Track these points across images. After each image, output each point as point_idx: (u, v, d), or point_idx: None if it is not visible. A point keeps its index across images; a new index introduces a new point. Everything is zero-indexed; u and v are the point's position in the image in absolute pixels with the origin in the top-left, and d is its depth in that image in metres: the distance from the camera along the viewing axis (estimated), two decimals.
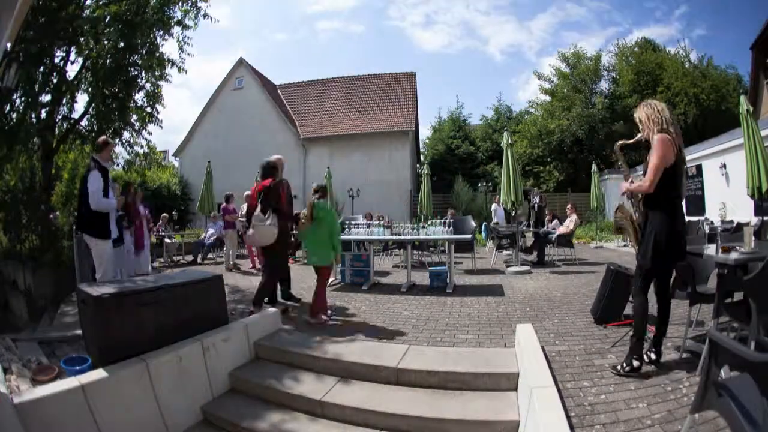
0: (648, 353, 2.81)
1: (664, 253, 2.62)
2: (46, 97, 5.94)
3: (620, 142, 3.13)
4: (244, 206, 6.26)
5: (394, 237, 6.39)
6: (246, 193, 6.28)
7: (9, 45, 4.30)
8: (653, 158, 2.56)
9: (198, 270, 6.76)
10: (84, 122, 6.41)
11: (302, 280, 7.12)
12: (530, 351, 2.94)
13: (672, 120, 2.66)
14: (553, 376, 2.62)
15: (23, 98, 5.68)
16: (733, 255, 2.70)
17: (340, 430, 2.68)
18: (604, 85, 21.13)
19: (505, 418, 2.49)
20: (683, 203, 2.79)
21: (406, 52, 56.34)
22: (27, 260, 5.16)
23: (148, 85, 6.61)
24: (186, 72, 6.72)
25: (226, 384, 3.30)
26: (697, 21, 36.91)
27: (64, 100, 6.17)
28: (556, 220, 9.50)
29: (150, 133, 6.91)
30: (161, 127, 6.93)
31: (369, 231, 6.47)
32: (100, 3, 5.91)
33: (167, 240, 9.92)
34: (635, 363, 2.66)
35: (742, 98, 7.05)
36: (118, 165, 7.45)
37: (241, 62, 21.63)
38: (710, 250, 3.05)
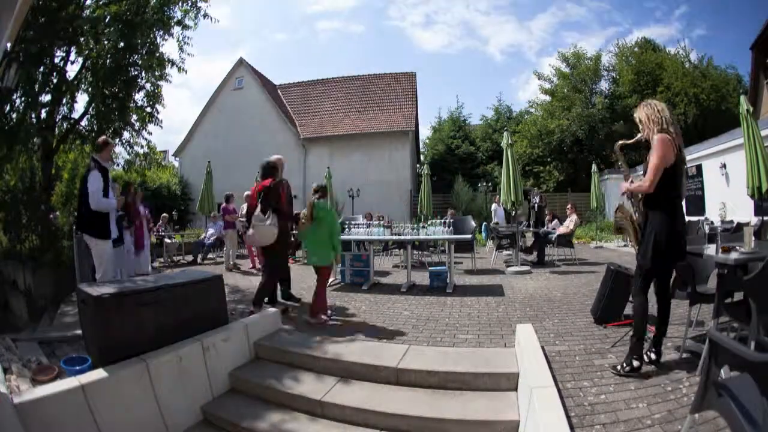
0: (648, 353, 2.81)
1: (664, 253, 2.62)
2: (46, 97, 5.95)
3: (620, 142, 3.13)
4: (244, 206, 6.25)
5: (394, 237, 6.39)
6: (246, 193, 6.27)
7: (9, 45, 4.30)
8: (653, 158, 2.56)
9: (198, 270, 6.76)
10: (84, 122, 6.42)
11: (302, 280, 7.12)
12: (530, 351, 2.94)
13: (672, 120, 2.67)
14: (553, 376, 2.62)
15: (23, 98, 5.68)
16: (733, 255, 2.70)
17: (340, 430, 2.68)
18: (604, 85, 21.16)
19: (505, 418, 2.49)
20: (683, 203, 2.79)
21: (406, 52, 56.50)
22: (27, 260, 5.16)
23: (148, 85, 6.61)
24: (186, 72, 6.73)
25: (226, 384, 3.30)
26: (697, 21, 37.03)
27: (64, 100, 6.17)
28: (556, 220, 9.50)
29: (150, 133, 6.92)
30: (161, 127, 6.94)
31: (369, 231, 6.47)
32: (100, 3, 5.91)
33: (167, 240, 9.92)
34: (635, 363, 2.66)
35: (742, 98, 7.05)
36: (118, 165, 7.46)
37: (241, 62, 21.63)
38: (710, 250, 3.05)
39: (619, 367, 2.72)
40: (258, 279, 5.12)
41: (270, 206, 4.41)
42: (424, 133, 28.14)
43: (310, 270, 4.73)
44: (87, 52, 5.90)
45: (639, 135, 2.82)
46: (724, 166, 10.29)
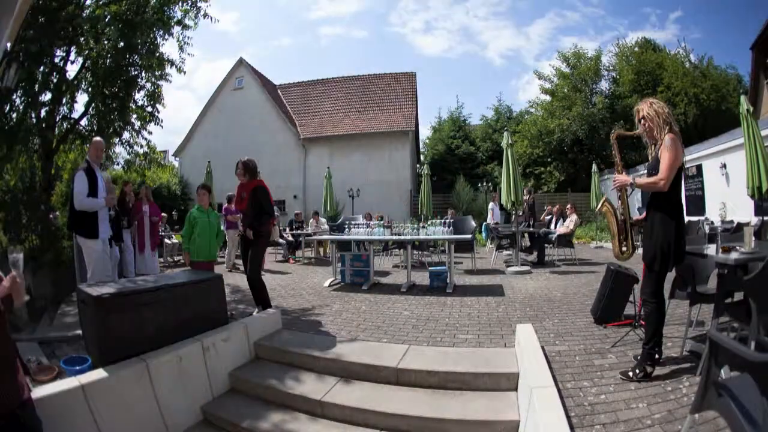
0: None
1: (673, 255, 2.61)
2: (46, 97, 5.95)
3: (619, 130, 3.13)
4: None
5: (394, 237, 6.39)
6: (229, 194, 6.12)
7: (9, 44, 4.30)
8: (669, 156, 2.53)
9: (198, 270, 6.74)
10: (84, 122, 6.41)
11: (302, 280, 7.14)
12: (530, 351, 2.94)
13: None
14: (553, 376, 2.62)
15: (23, 98, 5.69)
16: (733, 255, 2.70)
17: (341, 430, 2.68)
18: (604, 84, 21.11)
19: (505, 418, 2.49)
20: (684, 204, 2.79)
21: (407, 57, 56.97)
22: (27, 260, 5.15)
23: (148, 85, 6.60)
24: (185, 73, 6.73)
25: (226, 384, 3.30)
26: (691, 25, 37.11)
27: (64, 100, 6.17)
28: (552, 216, 9.54)
29: (150, 133, 6.91)
30: (162, 126, 6.93)
31: (369, 231, 6.47)
32: (100, 3, 5.91)
33: (167, 240, 9.92)
34: (648, 369, 2.63)
35: (743, 98, 7.06)
36: (118, 164, 7.45)
37: (241, 62, 21.62)
38: (710, 250, 3.05)
39: (631, 374, 2.64)
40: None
41: (266, 206, 4.44)
42: (424, 133, 28.22)
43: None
44: (87, 51, 5.89)
45: (640, 129, 2.81)
46: (724, 166, 10.29)
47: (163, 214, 11.07)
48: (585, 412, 2.27)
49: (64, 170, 6.85)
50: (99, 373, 2.57)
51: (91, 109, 6.28)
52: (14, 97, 5.58)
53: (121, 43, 5.84)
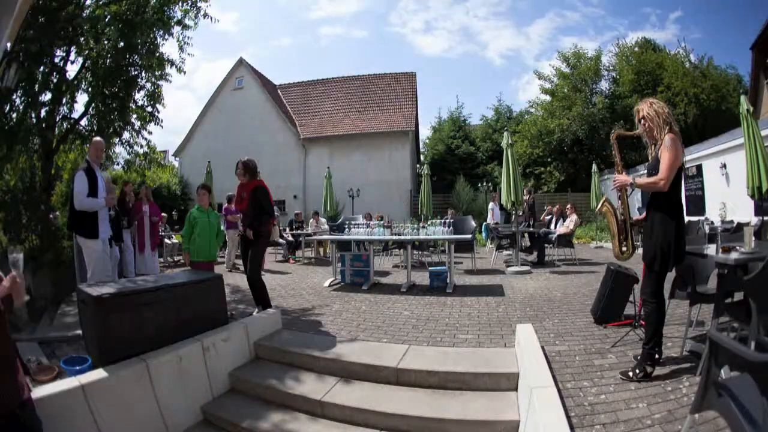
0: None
1: (673, 255, 2.61)
2: (46, 97, 5.95)
3: (619, 130, 3.14)
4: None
5: (394, 237, 6.39)
6: (229, 194, 6.12)
7: (9, 44, 4.30)
8: (669, 156, 2.53)
9: (198, 270, 6.74)
10: (84, 122, 6.41)
11: (302, 280, 7.14)
12: (530, 351, 2.94)
13: None
14: (553, 376, 2.62)
15: (23, 98, 5.69)
16: (733, 255, 2.70)
17: (341, 430, 2.68)
18: (604, 84, 21.11)
19: (505, 418, 2.49)
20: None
21: (407, 57, 57.02)
22: (27, 260, 5.15)
23: (148, 85, 6.60)
24: (185, 73, 6.73)
25: (226, 384, 3.30)
26: (691, 25, 37.17)
27: (64, 100, 6.17)
28: (552, 216, 9.53)
29: (150, 133, 6.91)
30: (162, 126, 6.94)
31: (369, 231, 6.47)
32: (100, 3, 5.91)
33: (167, 240, 9.92)
34: (648, 369, 2.63)
35: (743, 98, 7.06)
36: (118, 164, 7.45)
37: (240, 62, 21.62)
38: (710, 250, 3.05)
39: (631, 374, 2.64)
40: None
41: (266, 206, 4.44)
42: (424, 133, 28.22)
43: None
44: (87, 51, 5.89)
45: (640, 129, 2.81)
46: (724, 166, 10.29)
47: (163, 214, 11.07)
48: (585, 412, 2.27)
49: (64, 170, 6.85)
50: (99, 373, 2.57)
51: (91, 109, 6.28)
52: (14, 97, 5.58)
53: (121, 43, 5.84)
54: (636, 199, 10.80)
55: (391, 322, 4.26)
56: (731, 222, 7.55)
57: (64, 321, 4.45)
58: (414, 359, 3.12)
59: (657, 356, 2.70)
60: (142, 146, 6.89)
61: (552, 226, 9.37)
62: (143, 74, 6.49)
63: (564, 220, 9.05)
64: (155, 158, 7.46)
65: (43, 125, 5.95)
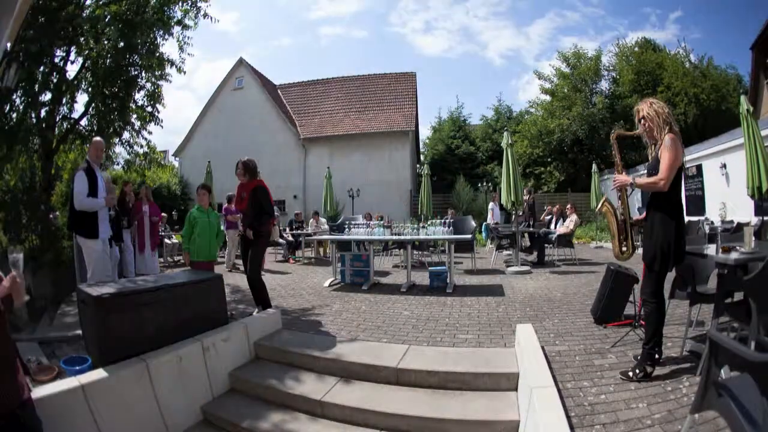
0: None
1: (673, 255, 2.61)
2: (46, 97, 5.95)
3: (619, 130, 3.14)
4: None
5: (394, 237, 6.39)
6: (229, 194, 6.12)
7: (9, 44, 4.30)
8: (669, 156, 2.53)
9: (198, 270, 6.74)
10: (84, 122, 6.41)
11: (302, 280, 7.14)
12: (530, 351, 2.94)
13: None
14: (553, 376, 2.62)
15: (23, 98, 5.69)
16: (733, 255, 2.70)
17: (341, 430, 2.68)
18: (604, 84, 21.11)
19: (505, 418, 2.49)
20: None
21: (407, 57, 57.06)
22: (27, 260, 5.15)
23: (148, 85, 6.61)
24: (185, 73, 6.73)
25: (226, 384, 3.30)
26: (691, 25, 37.19)
27: (64, 100, 6.17)
28: (552, 216, 9.53)
29: (150, 133, 6.91)
30: (162, 126, 6.94)
31: (369, 231, 6.47)
32: (100, 3, 5.91)
33: (167, 240, 9.92)
34: (648, 369, 2.63)
35: (743, 98, 7.06)
36: (118, 164, 7.45)
37: (240, 62, 21.62)
38: (710, 250, 3.05)
39: (631, 374, 2.63)
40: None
41: (266, 206, 4.44)
42: (424, 133, 28.22)
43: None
44: (87, 51, 5.89)
45: (640, 129, 2.81)
46: (724, 166, 10.29)
47: (163, 214, 11.07)
48: (585, 412, 2.27)
49: (64, 170, 6.85)
50: (99, 373, 2.57)
51: (91, 109, 6.28)
52: (14, 97, 5.58)
53: (121, 43, 5.84)
54: (636, 199, 10.80)
55: (391, 322, 4.26)
56: (731, 222, 7.55)
57: (64, 321, 4.45)
58: (414, 359, 3.11)
59: (657, 356, 2.70)
60: (142, 146, 6.89)
61: (552, 226, 9.37)
62: (143, 74, 6.49)
63: (564, 220, 9.05)
64: (155, 158, 7.46)
65: (43, 125, 5.95)
